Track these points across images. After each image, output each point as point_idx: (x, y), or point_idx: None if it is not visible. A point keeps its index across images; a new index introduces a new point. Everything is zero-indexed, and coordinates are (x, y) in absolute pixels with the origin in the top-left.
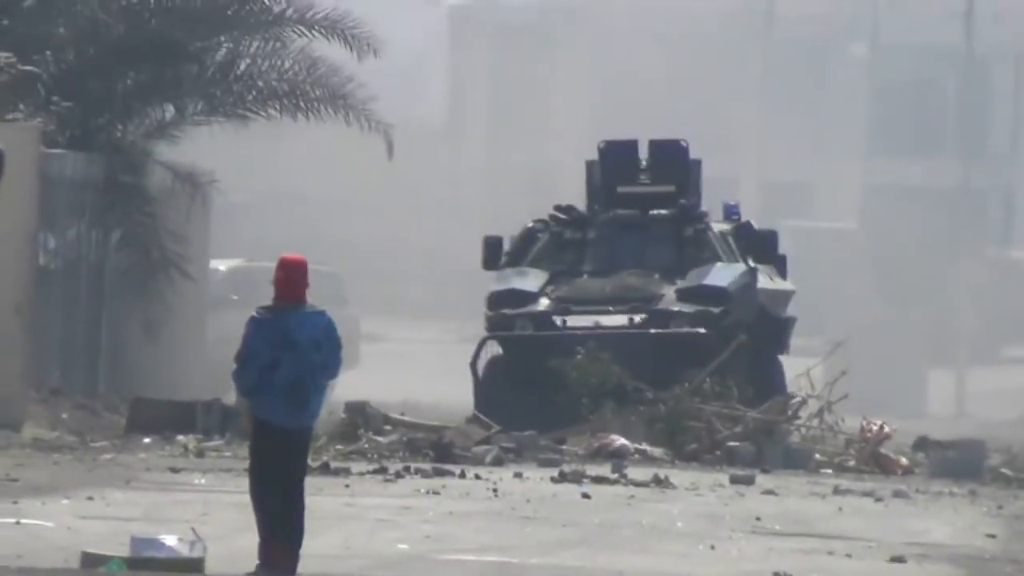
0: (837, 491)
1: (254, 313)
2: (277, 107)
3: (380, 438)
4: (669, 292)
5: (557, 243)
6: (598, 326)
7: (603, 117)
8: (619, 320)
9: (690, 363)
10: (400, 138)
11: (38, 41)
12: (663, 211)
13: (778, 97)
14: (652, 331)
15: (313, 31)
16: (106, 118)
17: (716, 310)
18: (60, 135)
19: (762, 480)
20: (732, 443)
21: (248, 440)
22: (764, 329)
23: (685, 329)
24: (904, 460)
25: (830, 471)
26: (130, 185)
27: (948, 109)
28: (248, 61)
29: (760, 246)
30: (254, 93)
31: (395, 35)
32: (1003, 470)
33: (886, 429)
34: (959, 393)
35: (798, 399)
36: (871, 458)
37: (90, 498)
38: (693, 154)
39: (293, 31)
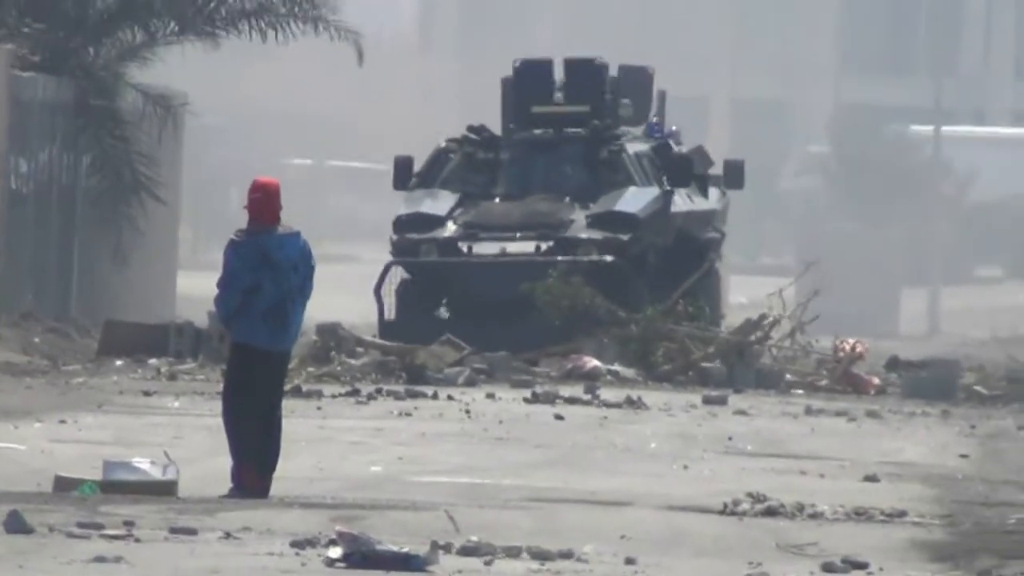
0: (809, 411)
1: (232, 237)
2: (247, 24)
3: (352, 360)
4: (579, 218)
5: (469, 164)
6: (504, 253)
7: (573, 36)
8: (526, 247)
9: (599, 290)
10: (371, 53)
11: None
12: (576, 131)
13: (749, 15)
14: (559, 259)
15: None
16: (78, 41)
17: (625, 237)
18: (31, 58)
19: (734, 400)
20: (704, 364)
21: (223, 363)
22: (683, 249)
23: (592, 257)
24: (877, 380)
25: (802, 391)
26: (101, 108)
27: (920, 28)
28: None
29: (679, 167)
30: (223, 11)
31: None
32: (976, 388)
33: (859, 348)
34: (932, 312)
35: (770, 319)
36: (844, 378)
37: (62, 422)
38: (662, 77)
39: None
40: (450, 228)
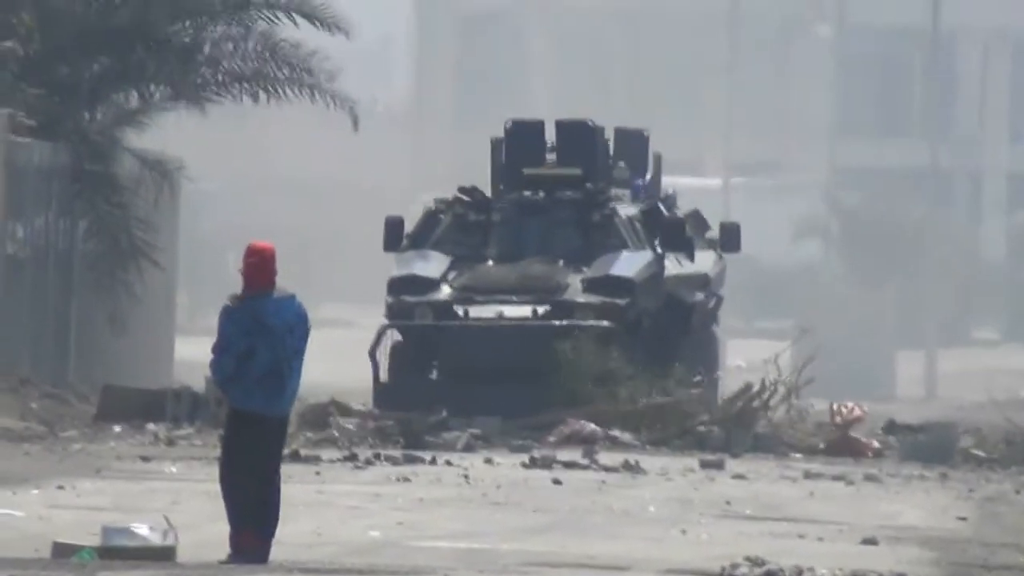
0: (808, 475)
1: (226, 302)
2: (241, 89)
3: (349, 425)
4: (574, 282)
5: (460, 226)
6: (501, 317)
7: (568, 99)
8: (523, 311)
9: (594, 355)
10: (365, 118)
11: (5, 28)
12: (569, 194)
13: (744, 76)
14: (555, 323)
15: (278, 14)
16: (73, 106)
17: (621, 302)
18: (27, 123)
19: (732, 465)
20: (701, 428)
21: (221, 428)
22: (672, 314)
23: (590, 322)
24: (875, 443)
25: (800, 455)
26: (98, 173)
27: (915, 89)
28: (212, 45)
29: (671, 230)
30: (219, 77)
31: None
32: (974, 451)
33: (857, 412)
34: (929, 375)
35: (767, 386)
36: (842, 441)
37: (61, 487)
38: (657, 139)
39: (259, 15)
40: (445, 291)
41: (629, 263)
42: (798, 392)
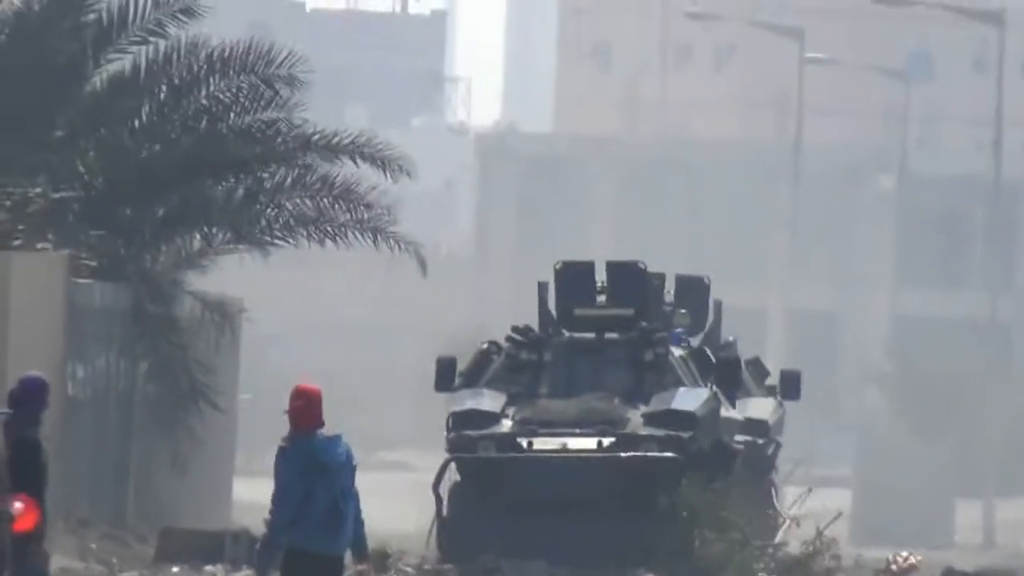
0: None
1: (281, 444)
2: (304, 233)
3: (409, 568)
4: (635, 416)
5: (513, 364)
6: (565, 448)
7: (628, 246)
8: (587, 443)
9: (657, 489)
10: (430, 265)
11: (68, 170)
12: (621, 335)
13: (805, 227)
14: (623, 455)
15: (340, 156)
16: (135, 248)
17: (685, 435)
18: (89, 264)
19: None
20: None
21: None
22: (717, 458)
23: (656, 454)
24: None
25: None
26: (158, 315)
27: (976, 240)
28: (275, 187)
29: (724, 371)
30: (281, 221)
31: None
32: None
33: (911, 560)
34: (987, 523)
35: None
36: None
37: None
38: (718, 287)
39: (321, 156)
40: (506, 424)
41: (690, 398)
42: (831, 546)
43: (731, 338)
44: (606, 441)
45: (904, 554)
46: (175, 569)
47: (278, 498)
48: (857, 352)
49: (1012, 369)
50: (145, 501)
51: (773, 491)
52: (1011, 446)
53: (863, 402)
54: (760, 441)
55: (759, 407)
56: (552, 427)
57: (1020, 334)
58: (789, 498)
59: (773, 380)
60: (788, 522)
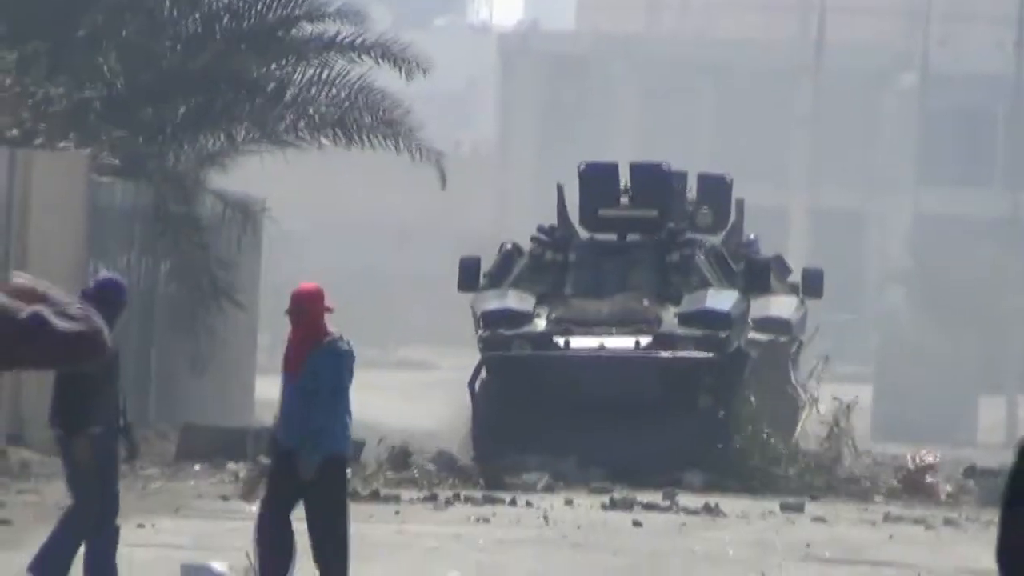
0: (887, 519)
1: (340, 344)
2: (328, 135)
3: (431, 465)
4: (668, 316)
5: (537, 265)
6: (603, 348)
7: (652, 146)
8: (625, 342)
9: (694, 388)
10: (450, 164)
11: (90, 70)
12: (645, 236)
13: (828, 127)
14: (662, 354)
15: (363, 56)
16: (157, 147)
17: (722, 334)
18: (110, 162)
19: (812, 508)
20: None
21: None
22: (737, 359)
23: (695, 353)
24: (949, 488)
25: (880, 499)
26: (180, 214)
27: (997, 138)
28: (298, 88)
29: (749, 276)
30: (305, 120)
31: (444, 63)
32: None
33: (930, 458)
34: (1010, 420)
35: (835, 433)
36: (913, 486)
37: (140, 526)
38: (741, 186)
39: (342, 56)
40: (539, 324)
41: (721, 298)
42: (850, 438)
43: (752, 236)
44: (643, 340)
45: (923, 451)
46: (196, 467)
47: (337, 394)
48: (880, 252)
49: None
50: (167, 400)
51: (795, 384)
52: None
53: (884, 300)
54: (782, 339)
55: (781, 305)
56: (587, 326)
57: None
58: (811, 390)
59: (795, 278)
60: (808, 407)
